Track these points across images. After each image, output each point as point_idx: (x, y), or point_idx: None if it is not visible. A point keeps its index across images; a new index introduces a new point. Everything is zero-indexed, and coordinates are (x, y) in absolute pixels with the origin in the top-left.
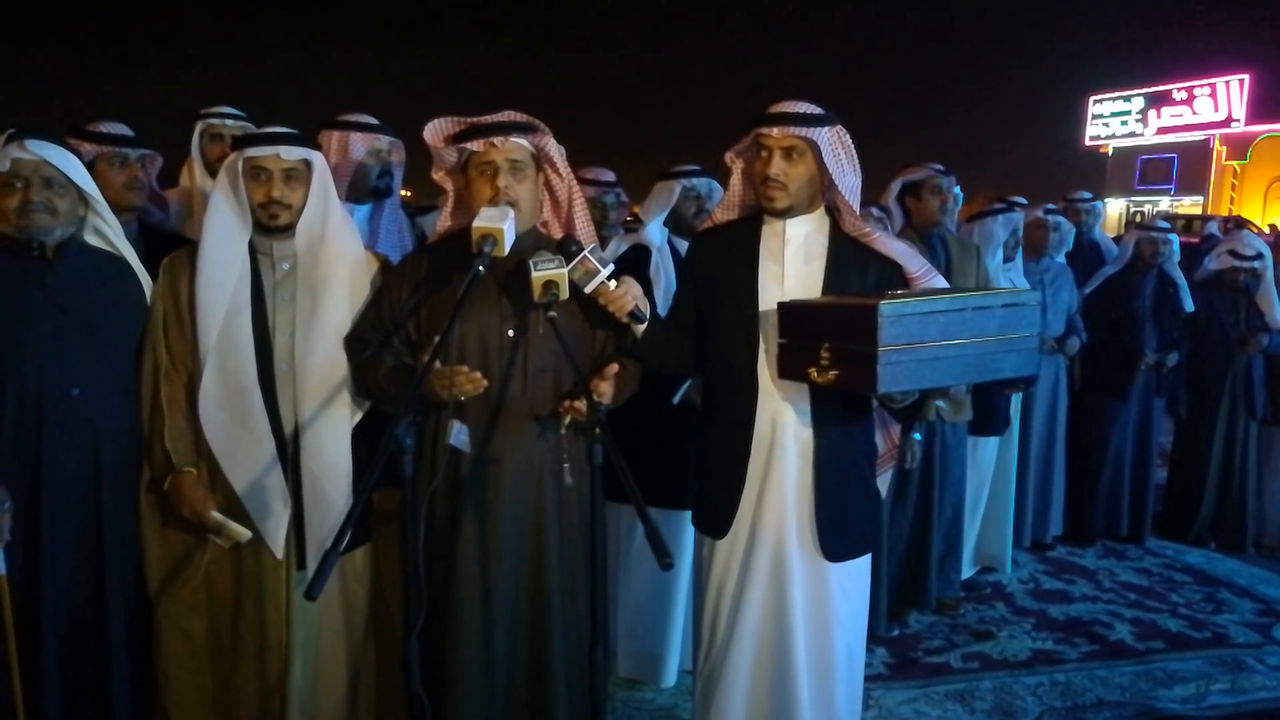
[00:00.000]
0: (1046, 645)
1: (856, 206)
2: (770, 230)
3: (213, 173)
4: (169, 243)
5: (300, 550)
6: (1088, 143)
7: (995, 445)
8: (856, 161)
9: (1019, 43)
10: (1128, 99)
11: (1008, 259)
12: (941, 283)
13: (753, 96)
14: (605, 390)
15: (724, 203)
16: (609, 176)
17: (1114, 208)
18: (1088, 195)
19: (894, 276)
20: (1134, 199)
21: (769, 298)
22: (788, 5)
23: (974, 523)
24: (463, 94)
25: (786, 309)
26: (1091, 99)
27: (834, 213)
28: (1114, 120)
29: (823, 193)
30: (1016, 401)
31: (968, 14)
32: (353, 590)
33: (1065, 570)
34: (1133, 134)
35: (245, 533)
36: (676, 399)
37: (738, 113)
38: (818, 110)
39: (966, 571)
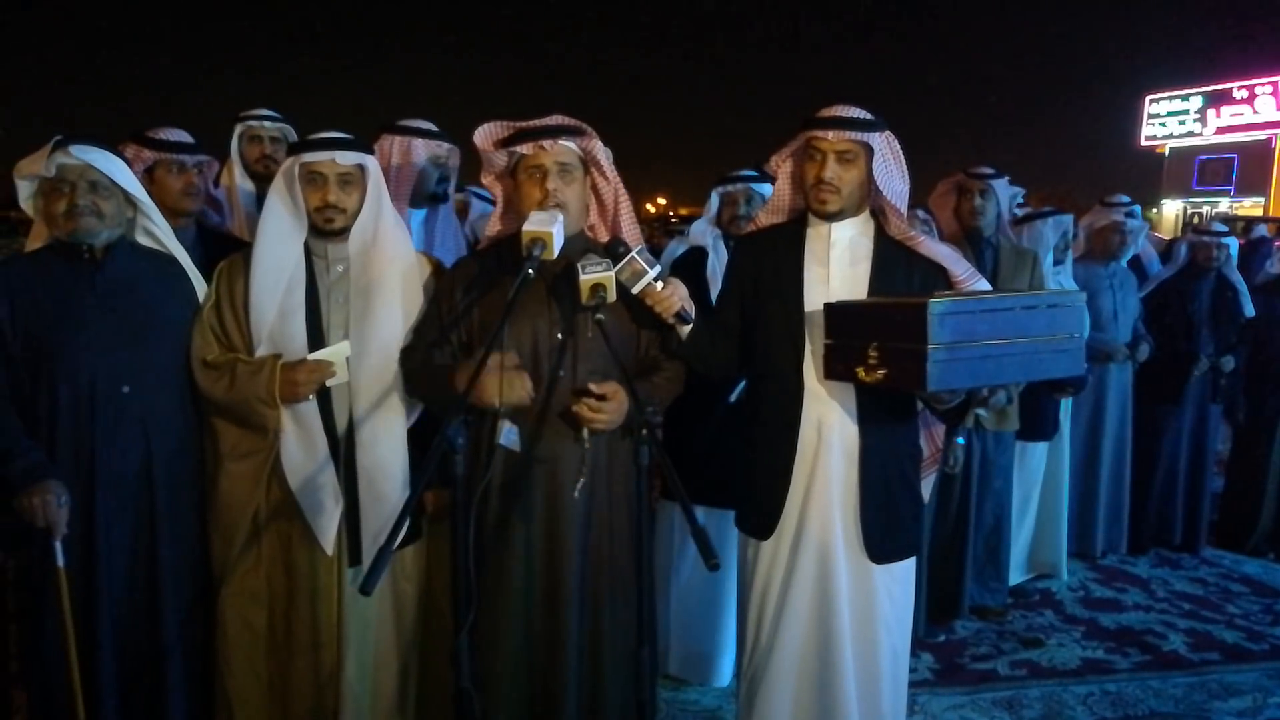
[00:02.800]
0: (1097, 654)
1: (904, 210)
2: (815, 233)
3: (251, 174)
4: (227, 245)
5: (353, 547)
6: (1143, 143)
7: (1044, 451)
8: (905, 167)
9: (1073, 42)
10: (1185, 98)
11: (1057, 262)
12: (985, 286)
13: (799, 99)
14: (592, 418)
15: (769, 207)
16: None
17: (1171, 209)
18: (1127, 199)
19: (938, 279)
20: (1191, 200)
21: (814, 300)
22: (834, 8)
23: (1022, 529)
24: (503, 96)
25: (833, 310)
26: (1148, 98)
27: (878, 216)
28: (1171, 120)
29: (868, 196)
30: (1066, 407)
31: (1021, 14)
32: (403, 588)
33: (1116, 579)
34: (1190, 134)
35: (343, 349)
36: (733, 397)
37: (782, 115)
38: (870, 115)
39: (1017, 578)
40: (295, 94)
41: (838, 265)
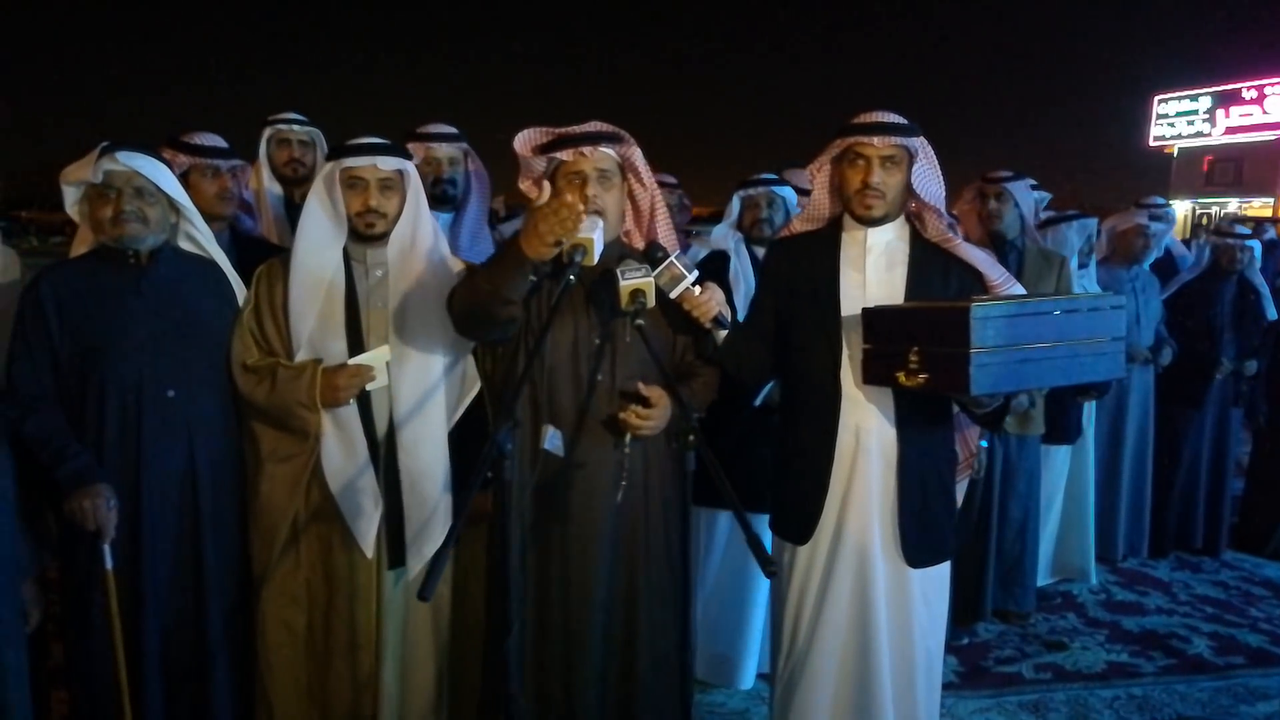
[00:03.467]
0: (1121, 658)
1: (944, 212)
2: (850, 238)
3: (279, 177)
4: (260, 249)
5: (394, 549)
6: (1152, 143)
7: (1067, 454)
8: (940, 171)
9: (1082, 43)
10: (1194, 98)
11: (1081, 265)
12: (1020, 291)
13: (816, 105)
14: (639, 424)
15: (805, 215)
16: (670, 179)
17: (1179, 210)
18: (1161, 201)
19: (974, 284)
20: (1200, 201)
21: (851, 305)
22: (844, 13)
23: (1045, 533)
24: (508, 97)
25: (872, 314)
26: (1156, 99)
27: (913, 220)
28: (1179, 120)
29: (906, 201)
30: (1089, 410)
31: (1029, 15)
32: (439, 591)
33: (1138, 582)
34: (1199, 134)
35: (384, 353)
36: (759, 401)
37: (801, 120)
38: (908, 121)
39: (1041, 581)
40: (315, 98)
41: (874, 270)
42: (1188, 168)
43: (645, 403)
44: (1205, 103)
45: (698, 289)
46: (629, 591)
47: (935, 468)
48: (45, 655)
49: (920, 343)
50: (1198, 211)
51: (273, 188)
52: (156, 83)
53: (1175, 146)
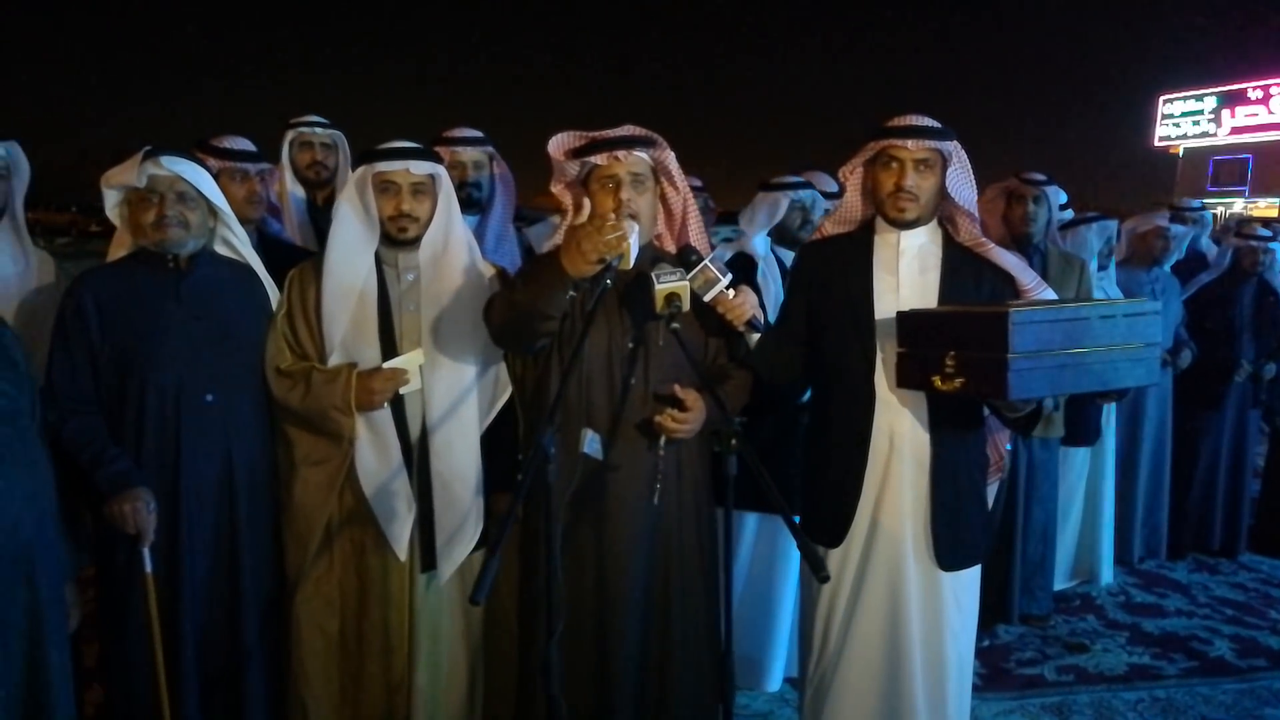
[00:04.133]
0: (1143, 660)
1: (977, 216)
2: (883, 241)
3: (302, 180)
4: (287, 253)
5: (426, 553)
6: (1157, 143)
7: (1086, 456)
8: (972, 174)
9: (1087, 43)
10: (1200, 98)
11: (1100, 267)
12: (1051, 295)
13: (809, 101)
14: (675, 428)
15: (837, 217)
16: (696, 182)
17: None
18: (1197, 204)
19: (1006, 288)
20: (1206, 201)
21: (884, 308)
22: (850, 18)
23: (1065, 535)
24: (560, 104)
25: (907, 318)
26: (1161, 99)
27: (945, 224)
28: (1185, 120)
29: (939, 205)
30: (1108, 412)
31: (1034, 15)
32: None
33: (1156, 584)
34: (1205, 134)
35: (417, 357)
36: (804, 399)
37: (802, 122)
38: (942, 125)
39: (1062, 584)
40: (336, 101)
41: (907, 273)
42: (1193, 168)
43: (680, 406)
44: (1211, 103)
45: (731, 292)
46: (663, 595)
47: (968, 471)
48: (79, 655)
49: (957, 347)
50: (1226, 213)
51: (295, 191)
52: (171, 87)
53: (1181, 147)
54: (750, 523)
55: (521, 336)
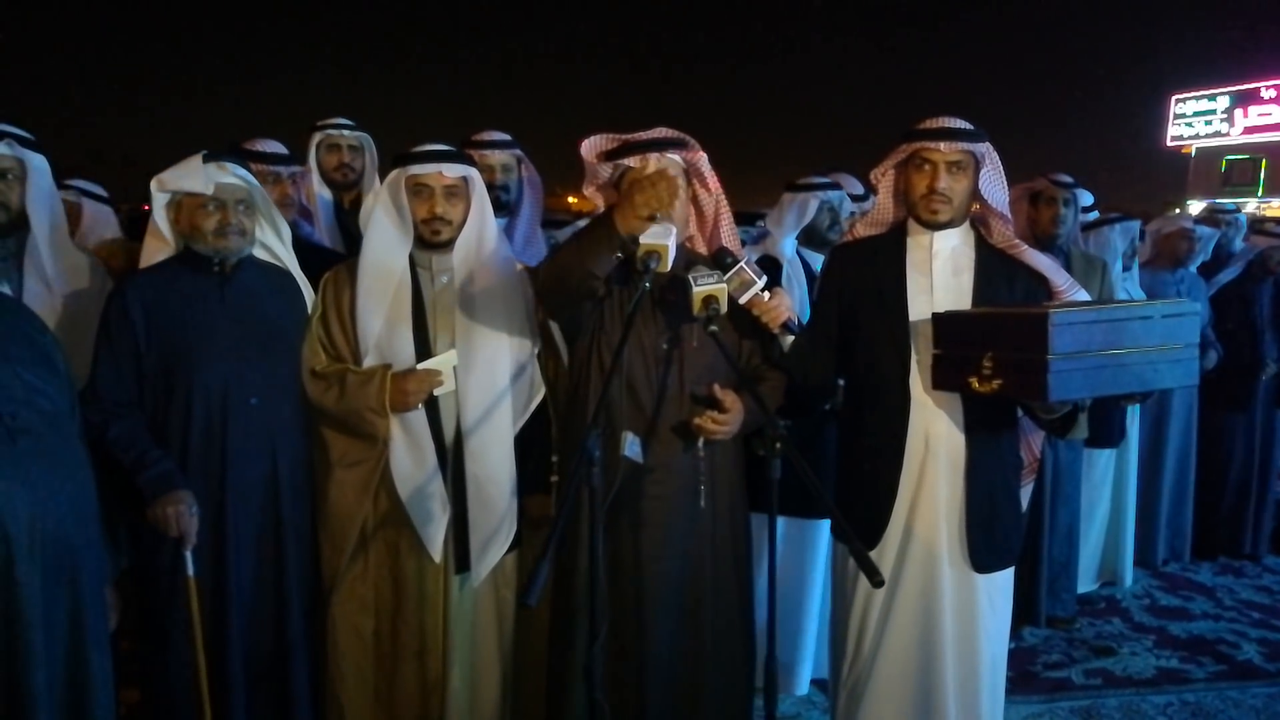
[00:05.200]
0: (1171, 664)
1: (1010, 218)
2: (916, 243)
3: (329, 181)
4: (319, 256)
5: (461, 555)
6: (1169, 143)
7: (1110, 458)
8: (1004, 176)
9: (1099, 42)
10: (1212, 98)
11: (1124, 268)
12: (1085, 297)
13: (820, 107)
14: (714, 429)
15: (869, 219)
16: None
17: (1196, 210)
18: (1231, 206)
19: (1040, 289)
20: (1218, 201)
21: (918, 310)
22: (864, 18)
23: (1089, 537)
24: (580, 108)
25: (943, 320)
26: (1174, 98)
27: (978, 225)
28: (1197, 120)
29: (971, 206)
30: (1132, 413)
31: (1046, 14)
32: (504, 595)
33: (1181, 587)
34: (1217, 134)
35: (451, 359)
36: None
37: (803, 124)
38: (975, 127)
39: (1087, 586)
40: (362, 102)
41: (940, 275)
42: (1205, 168)
43: (719, 407)
44: (1223, 102)
45: (766, 294)
46: (696, 596)
47: (1002, 473)
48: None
49: (994, 348)
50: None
51: (322, 193)
52: (188, 87)
53: (1193, 146)
54: (778, 526)
55: (565, 293)
